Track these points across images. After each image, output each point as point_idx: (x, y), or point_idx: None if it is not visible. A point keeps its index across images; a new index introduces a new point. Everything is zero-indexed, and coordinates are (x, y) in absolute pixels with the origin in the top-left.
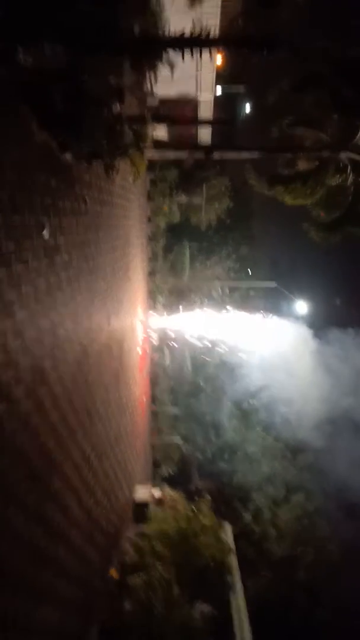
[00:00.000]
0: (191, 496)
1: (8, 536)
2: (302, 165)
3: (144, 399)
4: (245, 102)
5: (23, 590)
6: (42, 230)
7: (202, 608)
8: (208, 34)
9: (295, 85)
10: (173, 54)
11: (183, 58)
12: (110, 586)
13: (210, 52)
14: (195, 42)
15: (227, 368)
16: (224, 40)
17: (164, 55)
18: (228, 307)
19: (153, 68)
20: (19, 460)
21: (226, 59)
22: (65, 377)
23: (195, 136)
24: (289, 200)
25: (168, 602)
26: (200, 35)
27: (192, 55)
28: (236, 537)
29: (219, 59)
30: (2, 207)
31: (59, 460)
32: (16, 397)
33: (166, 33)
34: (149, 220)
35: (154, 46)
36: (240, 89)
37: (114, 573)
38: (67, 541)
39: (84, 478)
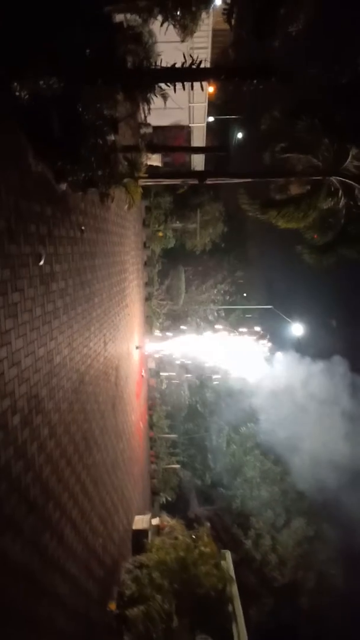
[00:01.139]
0: (190, 523)
1: (3, 566)
2: (295, 189)
3: (141, 425)
4: (238, 130)
5: (19, 621)
6: (39, 261)
7: (203, 638)
8: (199, 65)
9: (286, 111)
10: (166, 86)
11: (175, 90)
12: (109, 619)
13: (201, 83)
14: (187, 73)
15: (224, 392)
16: (215, 71)
17: (156, 87)
18: (224, 330)
19: (146, 99)
20: (14, 489)
21: (218, 88)
22: (62, 404)
23: (188, 163)
24: (282, 224)
25: (168, 633)
26: (191, 66)
27: (183, 87)
28: (237, 564)
29: (211, 88)
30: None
31: (54, 487)
32: (12, 426)
33: (158, 65)
34: (145, 246)
35: (147, 78)
36: (233, 116)
37: (112, 606)
38: (63, 572)
39: (81, 506)
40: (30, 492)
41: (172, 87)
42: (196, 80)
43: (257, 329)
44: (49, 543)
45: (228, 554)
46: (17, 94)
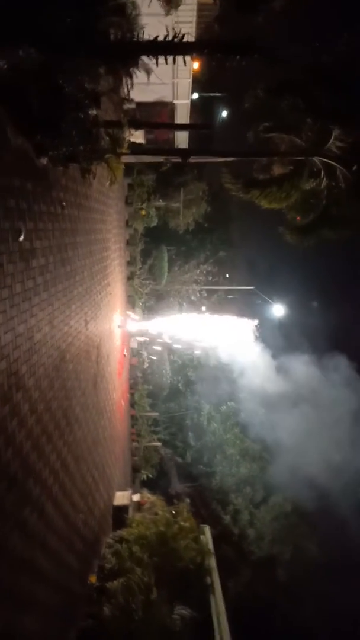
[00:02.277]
0: (171, 500)
1: None
2: (277, 169)
3: (123, 403)
4: (222, 108)
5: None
6: (19, 236)
7: (181, 610)
8: (182, 39)
9: (270, 90)
10: (148, 60)
11: (157, 64)
12: (90, 591)
13: (184, 58)
14: (170, 47)
15: (205, 371)
16: (198, 46)
17: (139, 61)
18: (206, 310)
19: (129, 73)
20: None
21: (203, 64)
22: (42, 381)
23: (172, 140)
24: (264, 203)
25: (147, 605)
26: (174, 40)
27: (166, 61)
28: (215, 539)
29: (195, 64)
30: None
31: (34, 463)
32: None
33: (141, 38)
34: (127, 224)
35: (129, 51)
36: (217, 94)
37: (92, 579)
38: (44, 546)
39: (61, 482)
40: (11, 467)
41: (154, 61)
42: (179, 54)
43: (239, 308)
44: (29, 518)
45: (207, 529)
46: None
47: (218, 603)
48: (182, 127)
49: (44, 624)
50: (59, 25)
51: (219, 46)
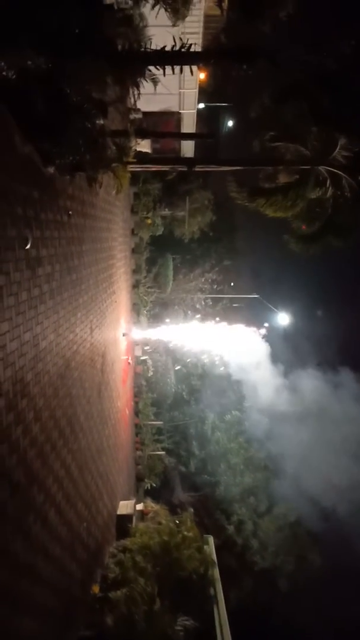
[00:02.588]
0: (174, 509)
1: None
2: (283, 178)
3: (127, 412)
4: (228, 118)
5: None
6: (26, 244)
7: (184, 620)
8: (189, 49)
9: (275, 98)
10: (155, 70)
11: (164, 73)
12: (92, 601)
13: (191, 68)
14: (177, 57)
15: (210, 380)
16: (205, 55)
17: (146, 70)
18: (211, 319)
19: (136, 83)
20: None
21: (209, 75)
22: (47, 389)
23: (178, 149)
24: (270, 212)
25: (150, 615)
26: (181, 50)
27: (173, 71)
28: (218, 549)
29: (202, 75)
30: None
31: (38, 471)
32: None
33: (149, 48)
34: (133, 233)
35: (137, 61)
36: (223, 104)
37: (95, 589)
38: (47, 553)
39: (65, 490)
40: (15, 474)
41: (162, 71)
42: (186, 64)
43: (244, 317)
44: (33, 525)
45: (210, 539)
46: (4, 72)
47: (221, 614)
48: (188, 136)
49: (44, 631)
50: (67, 33)
51: (225, 54)
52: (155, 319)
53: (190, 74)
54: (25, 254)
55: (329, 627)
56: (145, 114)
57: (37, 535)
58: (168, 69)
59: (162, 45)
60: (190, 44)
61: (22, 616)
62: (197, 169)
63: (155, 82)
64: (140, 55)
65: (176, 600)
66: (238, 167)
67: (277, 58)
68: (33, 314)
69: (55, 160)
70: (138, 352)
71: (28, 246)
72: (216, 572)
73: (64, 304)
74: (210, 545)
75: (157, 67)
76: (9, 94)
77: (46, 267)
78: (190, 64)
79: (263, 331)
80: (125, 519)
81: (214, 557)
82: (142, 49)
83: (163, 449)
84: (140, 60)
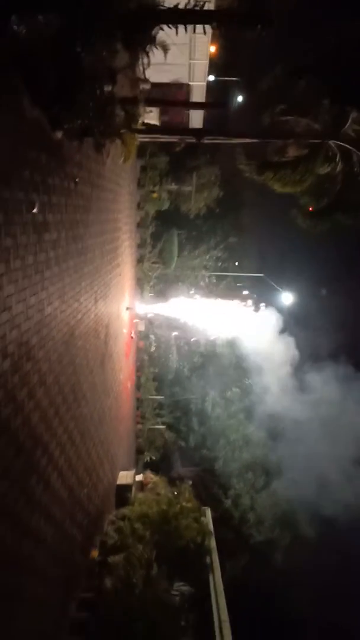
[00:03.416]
0: (173, 482)
1: None
2: (292, 152)
3: (129, 385)
4: (238, 92)
5: (1, 555)
6: (33, 208)
7: (180, 587)
8: (203, 7)
9: (287, 70)
10: (168, 28)
11: (177, 32)
12: (91, 565)
13: (204, 27)
14: (190, 15)
15: (211, 357)
16: (219, 14)
17: (157, 35)
18: (214, 296)
19: (145, 47)
20: (4, 430)
21: (219, 48)
22: (52, 355)
23: (186, 123)
24: (278, 187)
25: (147, 579)
26: (195, 8)
27: (185, 29)
28: (216, 522)
29: (212, 48)
30: None
31: (42, 435)
32: (2, 370)
33: (162, 5)
34: (139, 207)
35: (149, 17)
36: (233, 78)
37: (94, 554)
38: (49, 516)
39: (67, 455)
40: (19, 435)
41: (174, 30)
42: (200, 23)
43: (247, 294)
44: (36, 487)
45: (208, 511)
46: (15, 28)
47: (217, 582)
48: (197, 105)
49: (46, 592)
50: None
51: (240, 15)
52: (159, 294)
53: (203, 32)
54: (32, 218)
55: (322, 600)
56: (154, 85)
57: (40, 498)
58: (181, 29)
59: (174, 2)
60: (204, 2)
61: (26, 577)
62: (205, 141)
63: (165, 49)
64: (153, 12)
65: (173, 567)
66: (247, 140)
67: (295, 25)
68: (39, 279)
69: (64, 125)
70: (141, 327)
71: (35, 210)
72: (213, 542)
73: (69, 271)
74: (208, 517)
75: (170, 25)
76: (18, 56)
77: (52, 233)
78: (204, 22)
79: (266, 310)
80: (124, 489)
81: (211, 528)
82: (155, 6)
83: (163, 423)
84: (153, 18)
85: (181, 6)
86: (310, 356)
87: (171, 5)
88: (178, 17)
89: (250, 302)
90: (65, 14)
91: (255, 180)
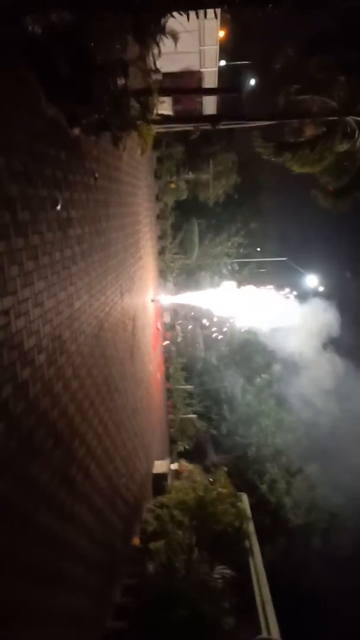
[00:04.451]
0: (208, 470)
1: (34, 488)
2: (309, 131)
3: (159, 376)
4: (250, 77)
5: (49, 541)
6: (57, 205)
7: (222, 569)
8: None
9: (301, 48)
10: (177, 17)
11: (188, 18)
12: (133, 552)
13: (215, 11)
14: (198, 1)
15: (239, 344)
16: None
17: (168, 18)
18: (238, 283)
19: (156, 38)
20: (43, 422)
21: (228, 32)
22: (83, 348)
23: (200, 110)
24: (296, 167)
25: (189, 563)
26: None
27: (197, 15)
28: (252, 507)
29: (221, 33)
30: (17, 177)
31: (79, 425)
32: (39, 363)
33: None
34: (157, 198)
35: (157, 4)
36: (245, 62)
37: (135, 541)
38: (90, 504)
39: (104, 445)
40: (57, 427)
41: (185, 16)
42: (210, 7)
43: (271, 280)
44: (76, 476)
45: (244, 496)
46: (30, 28)
47: (257, 565)
48: (210, 91)
49: (88, 573)
50: None
51: None
52: (183, 285)
53: (214, 17)
54: (56, 215)
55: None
56: (165, 75)
57: (81, 487)
58: (192, 15)
59: None
60: None
61: (70, 561)
62: (221, 127)
63: (175, 38)
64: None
65: (213, 552)
66: (263, 122)
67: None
68: (67, 274)
69: (81, 120)
70: (166, 319)
71: (59, 207)
72: (251, 526)
73: (94, 266)
74: (245, 502)
75: (181, 12)
76: (33, 54)
77: (76, 229)
78: (214, 6)
79: (291, 294)
80: (161, 477)
81: (249, 512)
82: None
83: (194, 412)
84: (164, 5)
85: None
86: (340, 340)
87: None
88: (189, 3)
89: (274, 287)
90: (76, 11)
91: (273, 163)
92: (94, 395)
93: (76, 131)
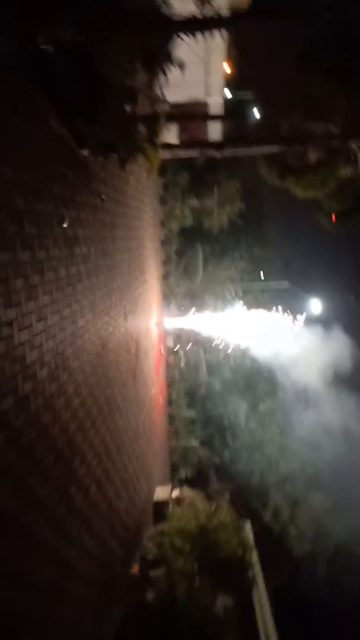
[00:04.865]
0: (210, 498)
1: (33, 502)
2: (313, 156)
3: (161, 400)
4: (254, 105)
5: (48, 555)
6: (63, 222)
7: (224, 599)
8: (218, 15)
9: (300, 54)
10: (185, 36)
11: (195, 39)
12: (132, 580)
13: (221, 33)
14: (206, 23)
15: (243, 370)
16: (233, 16)
17: (176, 42)
18: (242, 309)
19: (163, 68)
20: (43, 437)
21: (234, 67)
22: (86, 366)
23: (206, 138)
24: (300, 192)
25: (190, 592)
26: (212, 17)
27: (203, 36)
28: (256, 535)
29: (227, 68)
30: (26, 191)
31: (80, 444)
32: (41, 378)
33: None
34: (162, 224)
35: (168, 27)
36: (249, 94)
37: (135, 569)
38: (89, 525)
39: (104, 467)
40: (58, 443)
41: (191, 37)
42: (216, 27)
43: (275, 306)
44: (76, 495)
45: (247, 523)
46: (42, 46)
47: (261, 596)
48: (216, 118)
49: (90, 597)
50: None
51: (253, 12)
52: (186, 309)
53: (221, 38)
54: (63, 232)
55: None
56: (171, 106)
57: (80, 507)
58: (198, 33)
59: (184, 12)
60: (218, 10)
61: (69, 580)
62: (225, 154)
63: (182, 67)
64: (172, 22)
65: (215, 580)
66: (267, 148)
67: (306, 12)
68: (71, 291)
69: (90, 141)
70: (169, 343)
71: (65, 225)
72: (254, 556)
73: (99, 285)
74: (247, 530)
75: (188, 34)
76: (42, 72)
77: (82, 247)
78: (219, 27)
79: (295, 319)
80: (162, 505)
81: (252, 540)
82: (171, 16)
83: (196, 438)
84: (171, 28)
85: (196, 16)
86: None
87: (187, 16)
88: (195, 25)
89: (277, 311)
90: (86, 28)
91: (277, 187)
92: (95, 415)
93: (84, 152)
